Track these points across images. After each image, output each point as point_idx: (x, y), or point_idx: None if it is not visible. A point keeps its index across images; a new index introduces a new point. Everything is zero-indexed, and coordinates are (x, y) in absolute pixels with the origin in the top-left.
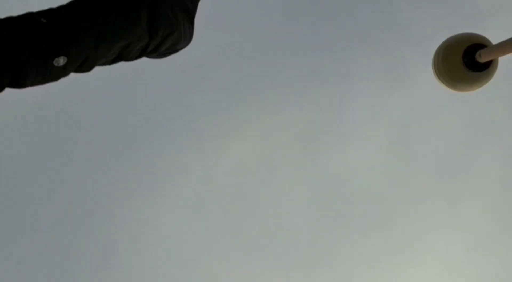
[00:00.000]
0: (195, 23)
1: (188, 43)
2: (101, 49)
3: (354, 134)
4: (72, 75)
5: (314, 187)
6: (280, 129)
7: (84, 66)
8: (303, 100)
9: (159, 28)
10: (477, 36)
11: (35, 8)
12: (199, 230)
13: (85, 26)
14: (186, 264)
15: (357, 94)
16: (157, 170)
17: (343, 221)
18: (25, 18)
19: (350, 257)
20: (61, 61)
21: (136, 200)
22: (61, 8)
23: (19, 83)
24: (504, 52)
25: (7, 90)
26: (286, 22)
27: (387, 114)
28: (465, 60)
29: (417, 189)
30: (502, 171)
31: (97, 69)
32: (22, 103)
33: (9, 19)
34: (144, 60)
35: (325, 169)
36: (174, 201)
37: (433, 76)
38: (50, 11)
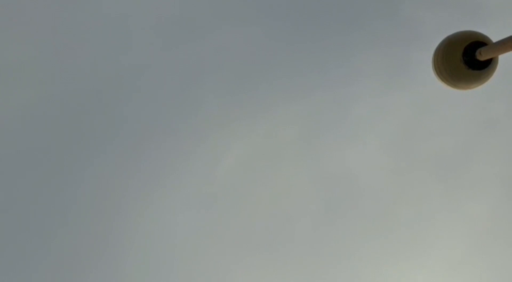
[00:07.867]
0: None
1: None
2: None
3: (357, 132)
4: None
5: (316, 185)
6: (283, 128)
7: None
8: (307, 98)
9: None
10: (477, 34)
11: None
12: (202, 226)
13: None
14: (189, 260)
15: (360, 93)
16: (161, 167)
17: (345, 219)
18: None
19: (351, 255)
20: None
21: (139, 198)
22: None
23: None
24: (505, 50)
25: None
26: (291, 22)
27: (389, 113)
28: (465, 58)
29: (419, 188)
30: (503, 170)
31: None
32: (23, 103)
33: None
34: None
35: (328, 167)
36: (177, 198)
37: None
38: None
